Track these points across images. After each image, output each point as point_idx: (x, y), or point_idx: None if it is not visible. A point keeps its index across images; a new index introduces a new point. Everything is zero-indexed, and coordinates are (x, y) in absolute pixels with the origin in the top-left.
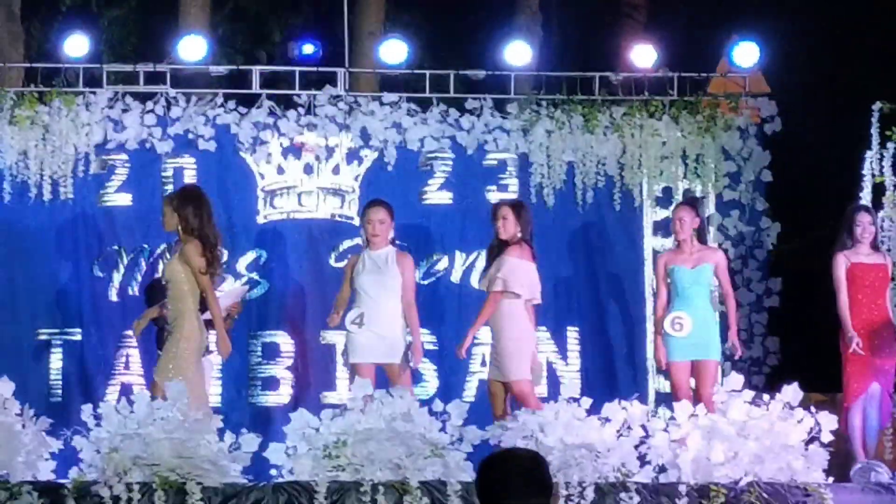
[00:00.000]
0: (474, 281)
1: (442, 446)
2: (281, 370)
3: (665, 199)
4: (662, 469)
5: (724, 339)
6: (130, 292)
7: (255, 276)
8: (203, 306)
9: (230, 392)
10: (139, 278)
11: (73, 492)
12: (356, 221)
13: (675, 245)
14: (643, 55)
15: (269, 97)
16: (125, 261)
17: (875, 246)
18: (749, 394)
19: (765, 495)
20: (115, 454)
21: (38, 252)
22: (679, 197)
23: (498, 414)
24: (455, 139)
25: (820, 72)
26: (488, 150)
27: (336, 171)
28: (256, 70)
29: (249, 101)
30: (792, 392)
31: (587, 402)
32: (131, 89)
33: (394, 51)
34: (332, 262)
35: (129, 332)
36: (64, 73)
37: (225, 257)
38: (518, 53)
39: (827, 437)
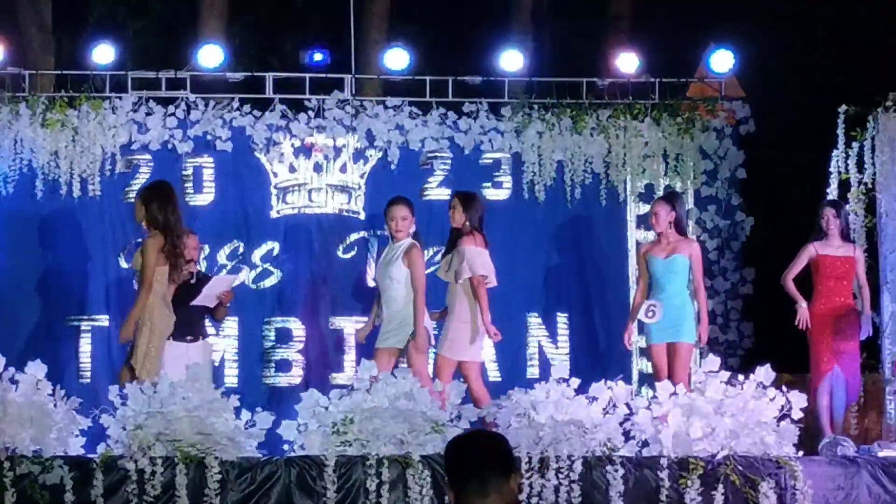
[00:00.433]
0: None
1: (441, 423)
2: (293, 353)
3: (647, 194)
4: (645, 444)
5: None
6: None
7: (268, 266)
8: (184, 296)
9: (246, 373)
10: None
11: (101, 465)
12: (362, 216)
13: (656, 237)
14: (627, 62)
15: (282, 101)
16: None
17: (846, 237)
18: (725, 374)
19: (740, 468)
20: (139, 431)
21: (69, 245)
22: (660, 193)
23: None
24: (453, 140)
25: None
26: (484, 150)
27: (343, 169)
28: (270, 76)
29: (263, 105)
30: (765, 373)
31: (576, 382)
32: (154, 94)
33: (396, 58)
34: (339, 253)
35: None
36: (92, 79)
37: (242, 250)
38: (511, 61)
39: (797, 415)
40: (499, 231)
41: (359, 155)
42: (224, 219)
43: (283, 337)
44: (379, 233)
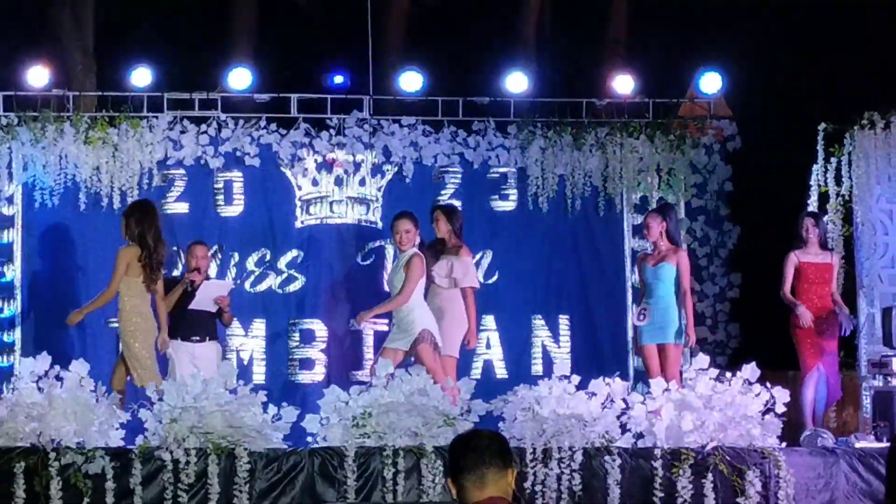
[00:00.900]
0: (480, 276)
1: (453, 417)
2: (316, 352)
3: (642, 206)
4: (640, 436)
5: None
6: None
7: (293, 272)
8: (188, 300)
9: (273, 371)
10: None
11: (139, 456)
12: (380, 225)
13: (651, 246)
14: (623, 84)
15: (306, 120)
16: (183, 259)
17: (824, 245)
18: (714, 372)
19: (728, 458)
20: (174, 424)
21: (110, 253)
22: (653, 204)
23: None
24: (463, 155)
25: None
26: (492, 165)
27: (362, 183)
28: (294, 97)
29: (288, 124)
30: (750, 370)
31: (576, 379)
32: (188, 114)
33: (411, 81)
34: (358, 260)
35: None
36: (131, 100)
37: (269, 257)
38: (517, 83)
39: (780, 409)
40: (505, 239)
41: (376, 170)
42: (252, 228)
43: (307, 337)
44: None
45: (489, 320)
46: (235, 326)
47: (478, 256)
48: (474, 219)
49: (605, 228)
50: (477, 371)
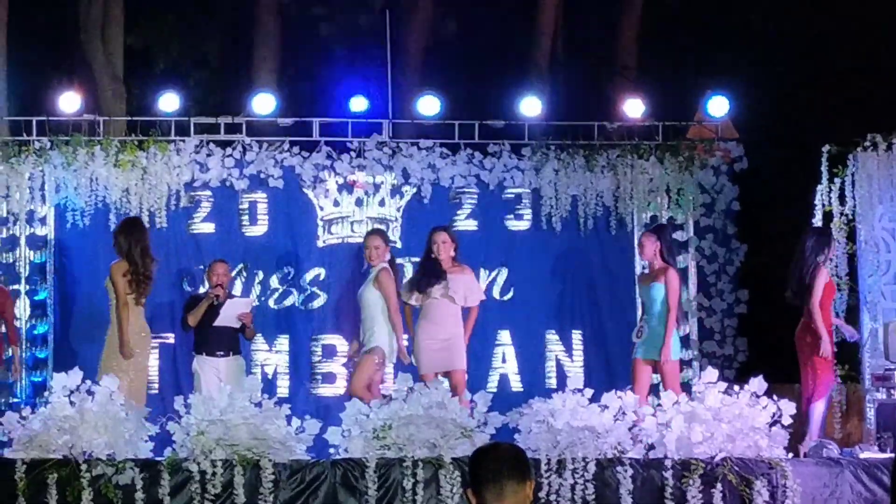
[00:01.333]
0: (496, 292)
1: (470, 429)
2: (337, 367)
3: (652, 225)
4: (651, 447)
5: (683, 345)
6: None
7: (316, 289)
8: (213, 316)
9: (296, 385)
10: None
11: (168, 467)
12: (398, 245)
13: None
14: (633, 107)
15: (327, 143)
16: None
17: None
18: (722, 385)
19: (736, 468)
20: (201, 436)
21: None
22: (664, 223)
23: None
24: (479, 177)
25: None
26: (507, 186)
27: (382, 203)
28: (316, 121)
29: (311, 147)
30: (758, 383)
31: (589, 392)
32: (214, 138)
33: (429, 105)
34: None
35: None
36: (159, 124)
37: (292, 275)
38: (531, 106)
39: (787, 420)
40: (520, 257)
41: (395, 191)
42: (276, 247)
43: (329, 352)
44: (413, 260)
45: (504, 335)
46: (260, 342)
47: (493, 274)
48: (490, 238)
49: (616, 247)
50: (493, 384)
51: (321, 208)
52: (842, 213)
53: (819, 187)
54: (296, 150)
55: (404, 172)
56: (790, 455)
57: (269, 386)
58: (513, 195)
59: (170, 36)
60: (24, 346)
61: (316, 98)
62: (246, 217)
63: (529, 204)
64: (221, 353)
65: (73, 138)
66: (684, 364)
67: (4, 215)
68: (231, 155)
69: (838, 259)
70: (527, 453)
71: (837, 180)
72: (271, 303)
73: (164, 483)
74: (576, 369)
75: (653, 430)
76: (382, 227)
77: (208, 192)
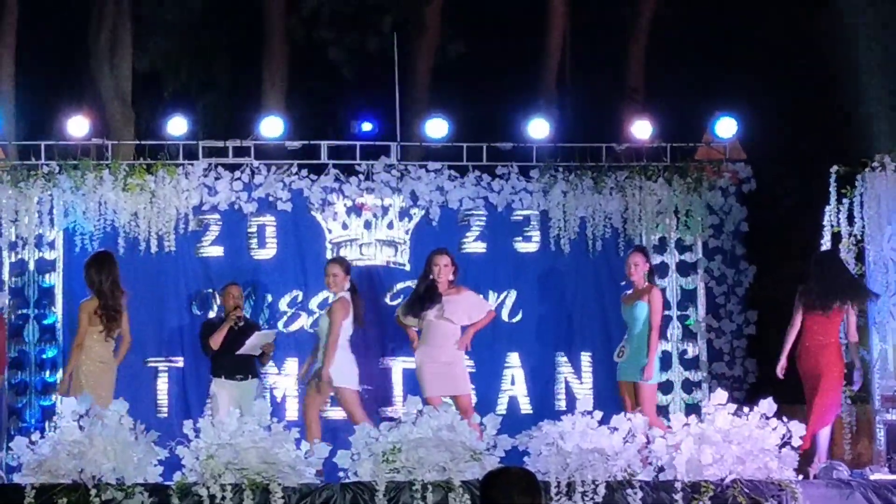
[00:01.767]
0: (504, 315)
1: (480, 452)
2: None
3: (661, 246)
4: (661, 469)
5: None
6: None
7: (324, 312)
8: (233, 342)
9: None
10: None
11: (177, 491)
12: (407, 267)
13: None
14: (641, 129)
15: (335, 166)
16: (218, 301)
17: None
18: (732, 406)
19: (746, 490)
20: (211, 460)
21: (148, 295)
22: (672, 245)
23: None
24: (487, 199)
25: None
26: (515, 208)
27: (390, 226)
28: (324, 144)
29: (319, 170)
30: (767, 405)
31: (598, 414)
32: (222, 161)
33: (436, 127)
34: (387, 300)
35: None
36: (167, 148)
37: (300, 298)
38: (539, 128)
39: (796, 442)
40: (529, 280)
41: (404, 213)
42: (285, 270)
43: None
44: None
45: (514, 357)
46: (269, 365)
47: (502, 296)
48: (498, 260)
49: (624, 268)
50: (503, 407)
51: (329, 231)
52: (850, 234)
53: (828, 208)
54: (304, 173)
55: (412, 195)
56: (800, 477)
57: (278, 409)
58: (521, 217)
59: (178, 60)
60: (33, 370)
61: (324, 121)
62: (254, 240)
63: (538, 226)
64: (241, 376)
65: (81, 162)
66: (693, 385)
67: (13, 239)
68: (239, 178)
69: None
70: (537, 476)
71: (846, 201)
72: (280, 326)
73: None
74: (585, 391)
75: (663, 452)
76: (344, 255)
77: (217, 216)
